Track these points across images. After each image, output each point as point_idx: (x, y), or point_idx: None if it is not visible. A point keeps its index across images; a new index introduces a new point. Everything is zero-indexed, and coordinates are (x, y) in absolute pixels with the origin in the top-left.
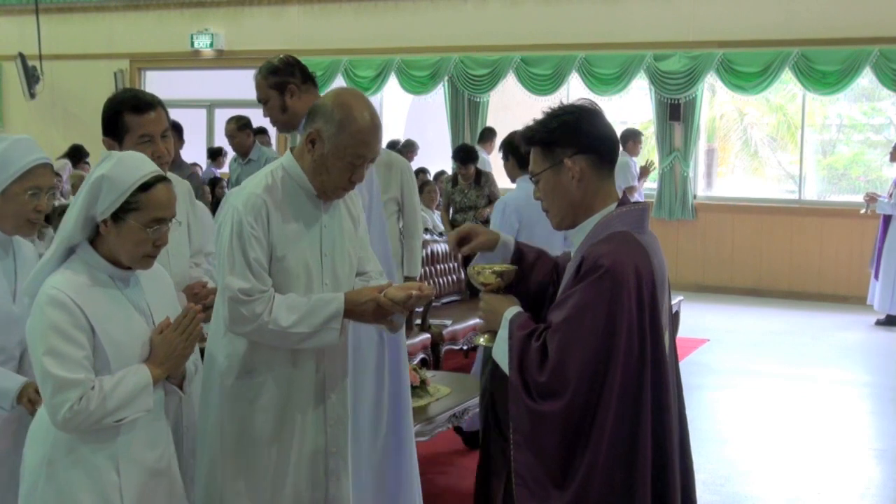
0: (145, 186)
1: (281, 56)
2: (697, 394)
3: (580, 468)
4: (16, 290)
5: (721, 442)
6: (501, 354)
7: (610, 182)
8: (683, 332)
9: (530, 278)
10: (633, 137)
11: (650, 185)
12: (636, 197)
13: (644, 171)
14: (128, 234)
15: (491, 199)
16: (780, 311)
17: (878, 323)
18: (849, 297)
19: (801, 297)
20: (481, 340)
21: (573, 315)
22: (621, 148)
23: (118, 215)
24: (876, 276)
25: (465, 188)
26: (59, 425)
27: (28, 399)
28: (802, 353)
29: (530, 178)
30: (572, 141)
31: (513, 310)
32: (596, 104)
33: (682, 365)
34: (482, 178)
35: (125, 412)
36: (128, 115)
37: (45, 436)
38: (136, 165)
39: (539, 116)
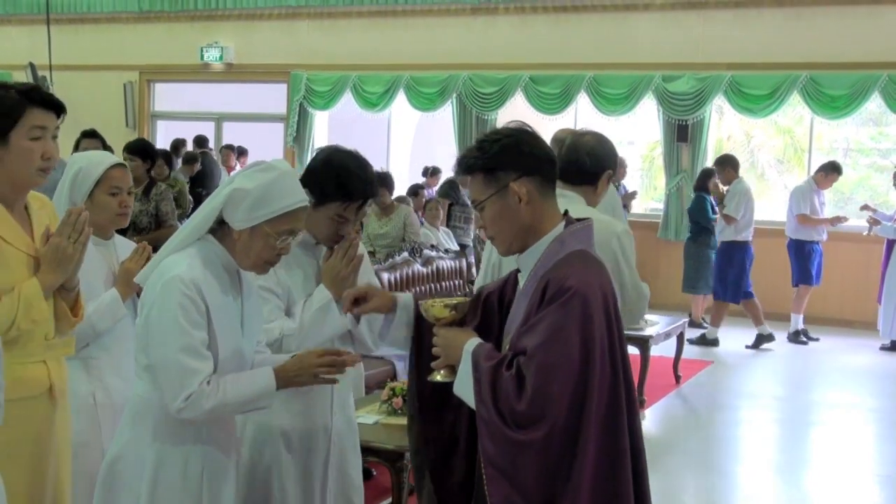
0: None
1: None
2: (701, 416)
3: (566, 493)
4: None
5: (724, 464)
6: (466, 389)
7: (554, 202)
8: (688, 353)
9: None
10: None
11: (656, 205)
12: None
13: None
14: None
15: None
16: (784, 334)
17: (883, 348)
18: (854, 322)
19: (806, 320)
20: (438, 377)
21: (547, 339)
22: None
23: None
24: (879, 301)
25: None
26: None
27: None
28: (807, 377)
29: (473, 207)
30: (515, 164)
31: (473, 341)
32: (530, 126)
33: (686, 387)
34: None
35: None
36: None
37: None
38: None
39: (472, 144)
